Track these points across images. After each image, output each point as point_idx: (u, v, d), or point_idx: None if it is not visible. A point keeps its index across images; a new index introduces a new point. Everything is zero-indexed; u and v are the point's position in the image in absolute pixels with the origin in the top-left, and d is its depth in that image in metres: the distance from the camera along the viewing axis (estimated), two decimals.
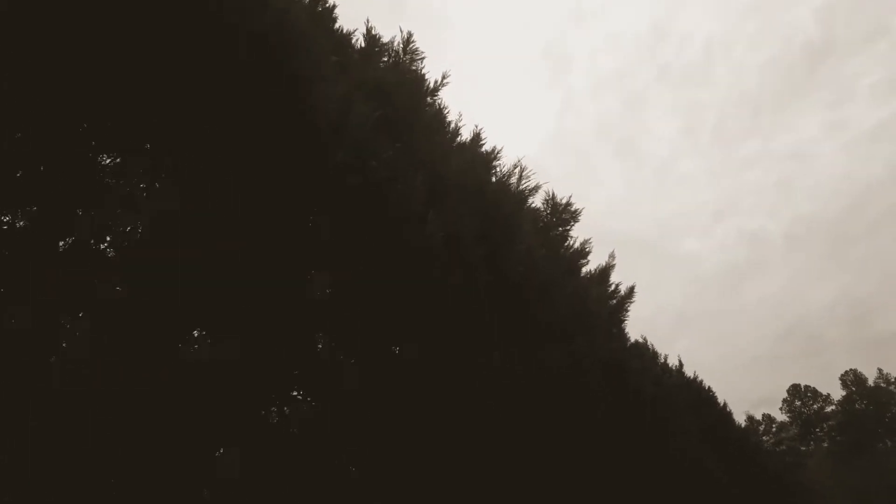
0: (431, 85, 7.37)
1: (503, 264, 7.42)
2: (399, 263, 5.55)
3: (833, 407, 72.94)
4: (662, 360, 24.66)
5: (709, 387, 27.30)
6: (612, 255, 10.98)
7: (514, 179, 7.95)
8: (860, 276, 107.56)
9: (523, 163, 7.88)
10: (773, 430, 74.85)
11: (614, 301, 10.49)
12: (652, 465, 8.07)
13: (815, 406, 74.86)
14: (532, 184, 8.12)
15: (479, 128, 7.68)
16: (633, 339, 17.55)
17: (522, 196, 7.95)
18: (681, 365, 26.04)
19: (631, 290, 10.77)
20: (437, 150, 6.96)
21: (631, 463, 7.67)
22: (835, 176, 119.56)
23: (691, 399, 23.30)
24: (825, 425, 72.55)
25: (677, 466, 10.63)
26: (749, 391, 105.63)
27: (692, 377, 27.04)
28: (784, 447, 69.67)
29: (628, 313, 11.09)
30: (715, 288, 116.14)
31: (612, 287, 10.86)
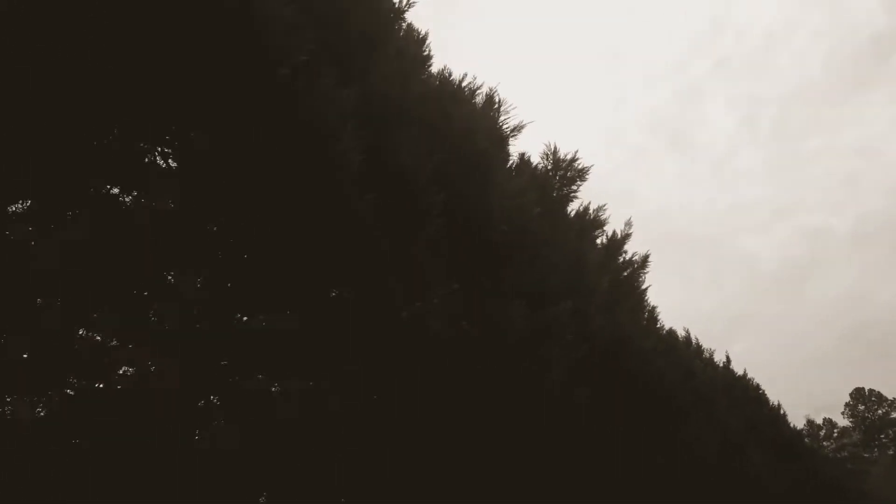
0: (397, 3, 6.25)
1: (472, 214, 6.29)
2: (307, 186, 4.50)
3: None
4: (708, 356, 23.22)
5: (758, 384, 25.63)
6: (628, 223, 9.72)
7: (495, 116, 6.77)
8: None
9: (501, 94, 6.68)
10: (835, 435, 71.23)
11: (626, 273, 9.21)
12: (644, 456, 6.82)
13: (880, 411, 70.86)
14: (513, 121, 6.92)
15: (447, 67, 6.52)
16: (668, 328, 16.28)
17: (501, 134, 6.77)
18: (728, 361, 24.42)
19: (645, 259, 9.48)
20: (396, 76, 5.87)
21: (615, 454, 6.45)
22: None
23: (737, 396, 21.75)
24: (891, 431, 68.65)
25: (687, 460, 9.32)
26: (811, 395, 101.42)
27: (741, 374, 25.44)
28: (845, 453, 66.24)
29: (644, 285, 9.79)
30: (775, 288, 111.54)
31: (627, 257, 9.59)
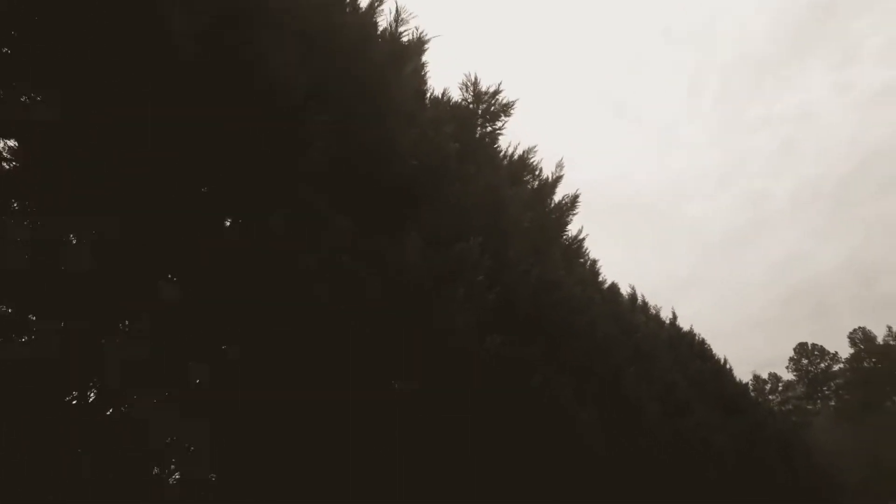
0: None
1: (370, 144, 5.39)
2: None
3: (841, 365, 70.67)
4: (654, 313, 22.86)
5: (703, 339, 25.49)
6: (559, 165, 8.92)
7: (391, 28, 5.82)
8: (867, 239, 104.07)
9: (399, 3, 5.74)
10: (780, 389, 72.77)
11: (553, 217, 8.44)
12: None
13: (822, 365, 72.51)
14: (411, 31, 5.96)
15: None
16: (611, 282, 15.69)
17: (399, 46, 5.83)
18: (674, 318, 24.22)
19: (574, 200, 8.70)
20: None
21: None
22: (841, 138, 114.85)
23: (682, 352, 21.43)
24: (832, 384, 70.35)
25: (626, 416, 8.70)
26: (756, 354, 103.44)
27: (687, 330, 25.21)
28: (790, 406, 67.81)
29: (576, 231, 9.07)
30: (721, 252, 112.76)
31: (557, 201, 8.81)
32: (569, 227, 9.14)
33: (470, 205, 6.26)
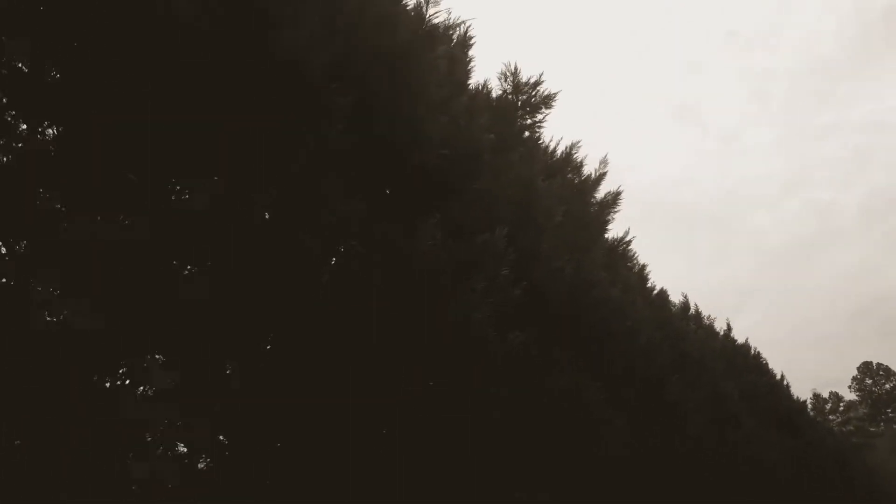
0: None
1: (397, 129, 5.17)
2: None
3: None
4: (708, 323, 22.11)
5: (758, 352, 24.56)
6: (603, 162, 8.57)
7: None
8: None
9: None
10: (840, 409, 70.05)
11: (594, 212, 8.07)
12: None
13: (887, 385, 69.56)
14: (441, 16, 5.71)
15: None
16: (659, 288, 15.14)
17: (428, 27, 5.57)
18: (729, 329, 23.37)
19: (616, 197, 8.33)
20: None
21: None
22: None
23: (737, 364, 20.68)
24: None
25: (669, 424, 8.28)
26: (818, 371, 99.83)
27: (742, 342, 24.33)
28: (851, 427, 65.21)
29: (612, 228, 8.67)
30: (783, 263, 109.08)
31: (601, 198, 8.44)
32: (610, 226, 8.80)
33: (500, 196, 5.98)
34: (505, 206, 6.05)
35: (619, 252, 11.18)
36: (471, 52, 6.84)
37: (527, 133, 7.73)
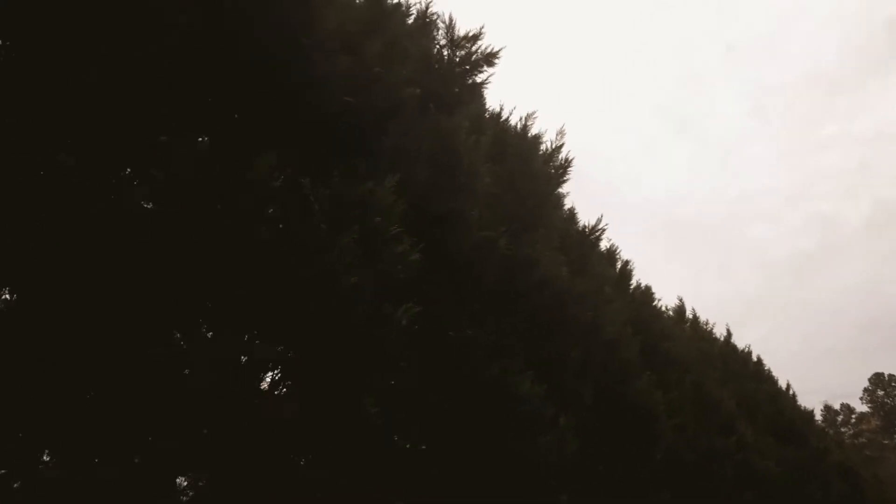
0: None
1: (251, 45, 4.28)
2: None
3: None
4: (707, 329, 21.11)
5: (759, 359, 23.47)
6: (560, 133, 7.63)
7: None
8: None
9: None
10: (852, 420, 68.08)
11: (542, 183, 7.10)
12: None
13: None
14: None
15: None
16: (644, 286, 14.13)
17: None
18: (729, 335, 22.33)
19: (566, 166, 7.35)
20: None
21: None
22: None
23: (735, 371, 19.66)
24: None
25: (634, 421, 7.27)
26: (829, 383, 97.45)
27: (743, 349, 23.23)
28: (864, 439, 63.36)
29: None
30: (788, 276, 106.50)
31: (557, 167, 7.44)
32: (563, 199, 7.83)
33: (416, 152, 5.07)
34: (423, 165, 5.14)
35: (590, 240, 10.23)
36: None
37: (467, 94, 6.79)
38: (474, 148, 5.28)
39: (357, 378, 3.80)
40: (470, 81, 6.71)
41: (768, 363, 23.82)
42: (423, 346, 4.87)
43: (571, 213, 9.61)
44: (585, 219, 10.62)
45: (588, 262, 9.64)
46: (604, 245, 12.58)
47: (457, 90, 6.59)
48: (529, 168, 6.54)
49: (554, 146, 7.45)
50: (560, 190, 7.55)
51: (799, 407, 26.82)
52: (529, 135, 7.53)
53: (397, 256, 4.01)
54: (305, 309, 3.56)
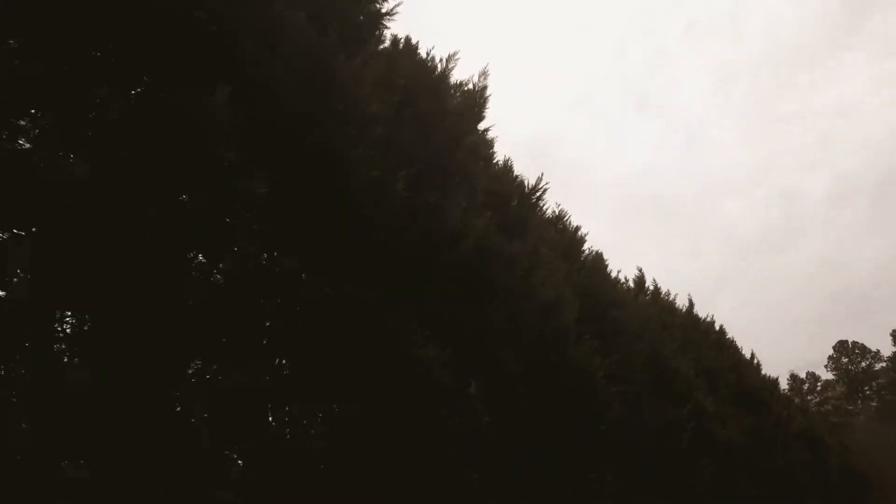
0: None
1: None
2: None
3: (883, 364, 66.35)
4: (668, 299, 20.68)
5: (722, 328, 23.07)
6: (483, 74, 6.80)
7: None
8: None
9: None
10: (818, 388, 68.68)
11: (450, 119, 6.25)
12: None
13: (863, 364, 68.18)
14: None
15: None
16: (596, 250, 13.45)
17: None
18: (691, 305, 21.89)
19: (483, 95, 6.52)
20: None
21: None
22: (880, 133, 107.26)
23: (695, 340, 19.24)
24: (874, 384, 66.11)
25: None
26: (797, 354, 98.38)
27: (704, 318, 22.84)
28: (829, 406, 64.01)
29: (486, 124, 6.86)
30: (756, 251, 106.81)
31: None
32: (492, 151, 7.00)
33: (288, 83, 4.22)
34: (295, 91, 4.30)
35: (532, 201, 9.46)
36: None
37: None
38: (354, 71, 4.43)
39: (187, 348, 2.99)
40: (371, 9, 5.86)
41: (738, 336, 23.40)
42: (303, 304, 4.10)
43: (507, 168, 8.84)
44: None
45: (527, 223, 8.89)
46: (551, 210, 11.92)
47: (361, 18, 5.75)
48: (441, 107, 5.70)
49: (477, 88, 6.63)
50: (487, 137, 6.73)
51: (763, 375, 26.50)
52: (453, 80, 6.72)
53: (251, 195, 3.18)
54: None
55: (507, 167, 8.66)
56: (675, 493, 9.83)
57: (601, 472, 6.77)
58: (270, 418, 4.25)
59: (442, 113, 5.60)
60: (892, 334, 64.21)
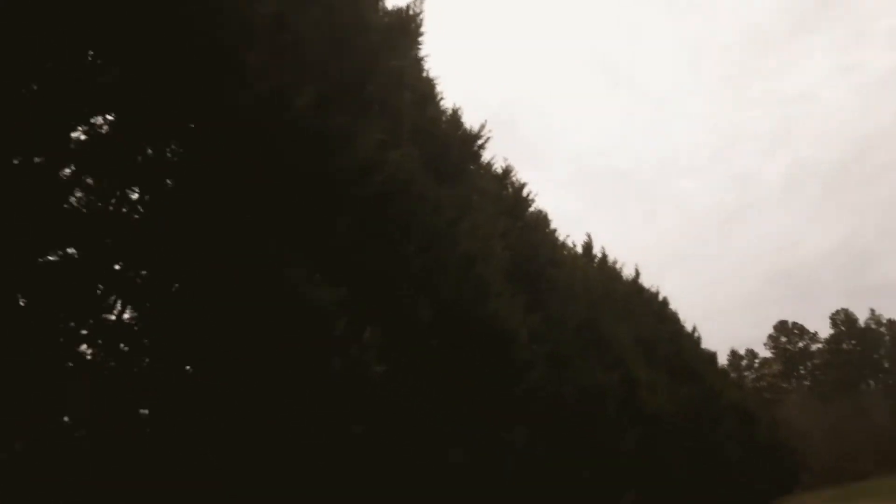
0: None
1: None
2: None
3: (820, 346, 68.09)
4: (615, 267, 20.51)
5: (665, 299, 23.10)
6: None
7: None
8: (859, 224, 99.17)
9: None
10: (756, 365, 70.26)
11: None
12: None
13: (801, 344, 69.82)
14: None
15: None
16: (543, 211, 13.09)
17: None
18: (637, 275, 21.81)
19: (414, 16, 5.98)
20: None
21: None
22: (840, 121, 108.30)
23: (633, 310, 19.16)
24: (810, 363, 67.86)
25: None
26: (741, 332, 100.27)
27: (649, 288, 22.78)
28: (765, 383, 65.71)
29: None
30: (709, 229, 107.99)
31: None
32: (433, 88, 6.49)
33: None
34: None
35: (472, 150, 8.98)
36: None
37: None
38: None
39: None
40: None
41: (685, 311, 23.56)
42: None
43: (455, 116, 8.26)
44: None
45: (464, 172, 8.43)
46: (499, 165, 11.43)
47: None
48: (361, 20, 5.12)
49: (413, 11, 6.07)
50: (423, 71, 6.20)
51: (702, 349, 26.73)
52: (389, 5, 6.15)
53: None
54: None
55: (455, 115, 8.13)
56: (598, 458, 9.63)
57: (515, 426, 6.45)
58: None
59: (362, 27, 5.03)
60: (830, 317, 65.93)
